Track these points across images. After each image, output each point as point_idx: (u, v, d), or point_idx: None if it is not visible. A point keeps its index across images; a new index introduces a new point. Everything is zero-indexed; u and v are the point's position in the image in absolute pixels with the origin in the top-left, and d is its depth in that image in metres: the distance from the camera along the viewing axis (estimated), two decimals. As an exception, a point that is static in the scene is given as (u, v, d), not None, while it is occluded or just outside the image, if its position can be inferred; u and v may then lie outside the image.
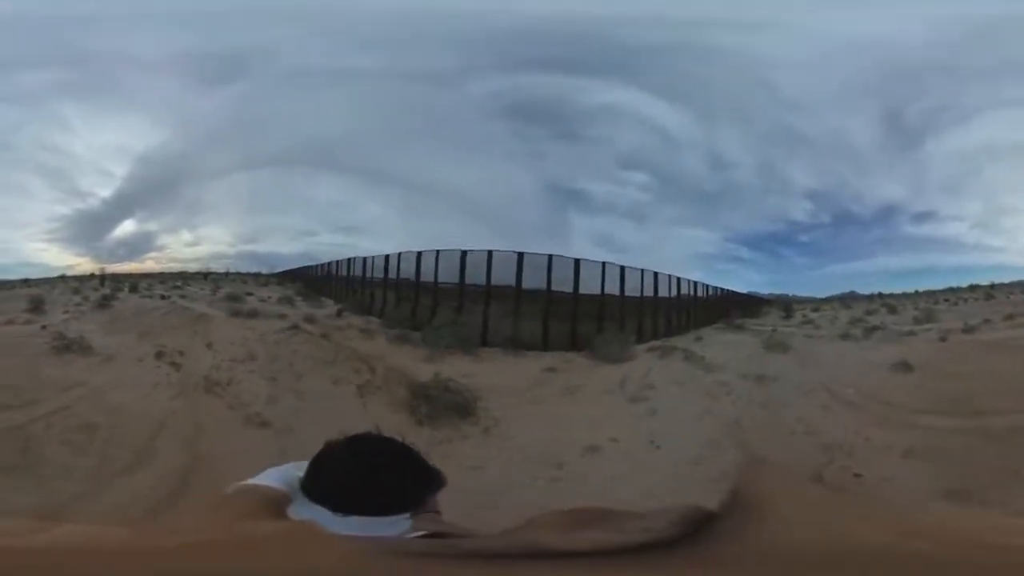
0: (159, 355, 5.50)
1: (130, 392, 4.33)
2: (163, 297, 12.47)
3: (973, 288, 14.08)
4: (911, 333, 11.00)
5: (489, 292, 9.08)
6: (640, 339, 10.82)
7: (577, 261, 10.17)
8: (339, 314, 9.91)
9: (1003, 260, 13.54)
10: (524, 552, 0.57)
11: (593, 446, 5.80)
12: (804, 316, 14.96)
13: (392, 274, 10.68)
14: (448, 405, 4.20)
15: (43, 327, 8.55)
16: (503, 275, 9.57)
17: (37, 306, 10.46)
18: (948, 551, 0.56)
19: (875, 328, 11.58)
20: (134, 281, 14.14)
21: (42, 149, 13.38)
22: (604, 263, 10.52)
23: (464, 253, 9.34)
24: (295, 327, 7.26)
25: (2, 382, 4.95)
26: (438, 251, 9.55)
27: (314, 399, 4.65)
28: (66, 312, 10.55)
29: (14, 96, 12.26)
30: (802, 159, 13.81)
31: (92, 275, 14.18)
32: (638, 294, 11.62)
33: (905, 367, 8.28)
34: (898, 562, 0.54)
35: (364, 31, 11.61)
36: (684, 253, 14.75)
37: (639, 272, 11.49)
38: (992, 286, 13.76)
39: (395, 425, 4.05)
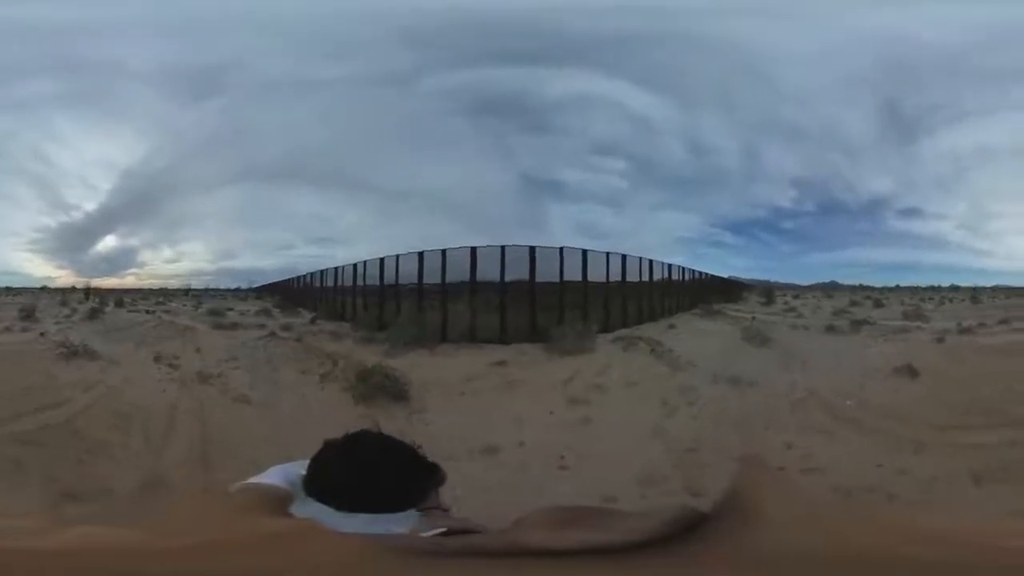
0: (157, 359, 6.85)
1: (143, 387, 5.64)
2: (148, 312, 12.81)
3: (955, 288, 13.69)
4: (903, 331, 10.49)
5: (445, 289, 9.53)
6: (607, 328, 10.42)
7: (532, 248, 9.89)
8: (313, 322, 10.74)
9: (987, 264, 13.05)
10: (516, 551, 0.58)
11: (493, 447, 5.41)
12: (786, 303, 14.34)
13: (361, 281, 11.06)
14: (382, 388, 5.43)
15: (41, 335, 9.19)
16: (465, 272, 9.89)
17: (29, 315, 10.84)
18: (940, 553, 0.55)
19: (863, 322, 11.13)
20: (118, 296, 14.12)
21: (33, 159, 13.36)
22: (562, 248, 10.10)
23: (421, 254, 9.80)
24: (272, 334, 8.55)
25: (24, 384, 5.90)
26: (398, 256, 10.02)
27: (285, 385, 6.00)
28: (58, 322, 10.88)
29: (6, 104, 12.18)
30: (790, 147, 13.51)
31: (74, 288, 14.17)
32: (603, 279, 11.10)
33: (910, 372, 7.36)
34: (891, 564, 0.53)
35: (326, 38, 11.37)
36: (665, 238, 14.14)
37: (604, 256, 11.09)
38: (975, 289, 13.39)
39: (337, 401, 5.49)
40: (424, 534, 1.00)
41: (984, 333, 10.17)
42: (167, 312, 12.55)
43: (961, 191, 12.94)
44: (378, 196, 13.36)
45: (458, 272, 9.62)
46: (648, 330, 10.65)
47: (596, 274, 10.84)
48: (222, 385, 5.89)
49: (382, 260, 10.34)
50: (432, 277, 9.78)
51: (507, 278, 9.52)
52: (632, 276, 11.53)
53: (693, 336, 10.64)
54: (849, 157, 13.28)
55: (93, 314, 11.29)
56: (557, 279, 9.94)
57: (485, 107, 12.56)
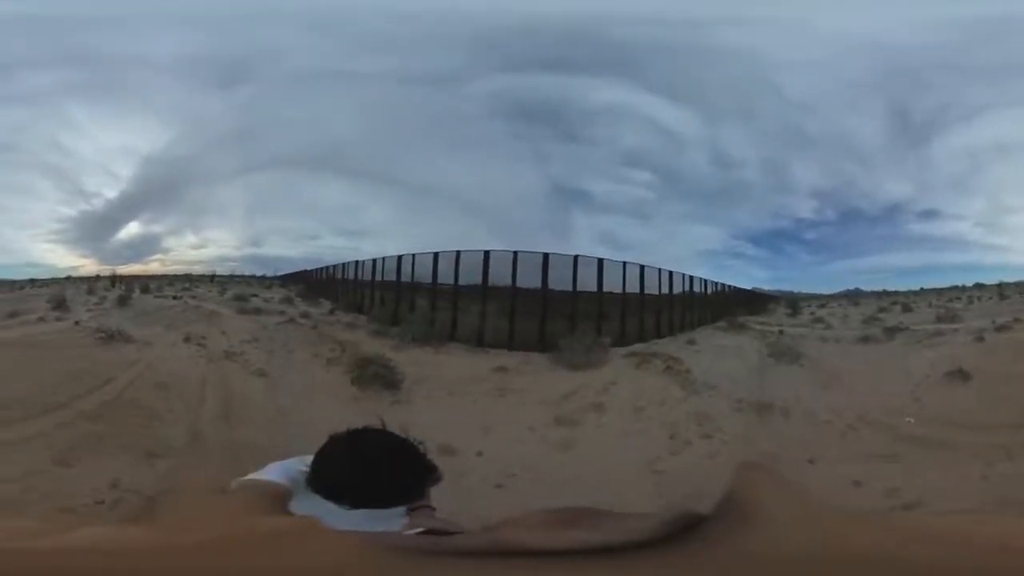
0: (187, 339, 7.67)
1: (176, 363, 6.46)
2: (175, 298, 13.36)
3: (980, 287, 13.89)
4: (939, 333, 10.21)
5: (457, 291, 9.78)
6: (622, 342, 10.18)
7: (546, 256, 9.96)
8: (331, 312, 11.42)
9: (1008, 259, 13.25)
10: (511, 551, 0.59)
11: (451, 449, 5.32)
12: (812, 314, 14.26)
13: (380, 276, 11.48)
14: (377, 376, 6.03)
15: (76, 323, 9.98)
16: (493, 275, 10.03)
17: (60, 304, 11.42)
18: (941, 553, 0.56)
19: (896, 329, 10.75)
20: (144, 283, 14.36)
21: (49, 150, 13.30)
22: (576, 256, 10.17)
23: (436, 255, 10.18)
24: (291, 320, 9.21)
25: (73, 368, 6.79)
26: (414, 255, 10.45)
27: (297, 364, 6.80)
28: (89, 310, 11.54)
29: (22, 96, 12.11)
30: (807, 157, 13.80)
31: (98, 277, 14.26)
32: (620, 290, 11.03)
33: (961, 375, 6.97)
34: (890, 566, 0.54)
35: (368, 33, 11.61)
36: (689, 250, 14.36)
37: (620, 265, 11.06)
38: (1000, 285, 13.51)
39: (337, 383, 6.25)
40: (404, 532, 0.98)
41: (1020, 328, 9.96)
42: (193, 298, 13.08)
43: (976, 189, 13.01)
44: (408, 192, 13.23)
45: (474, 274, 9.85)
46: (666, 345, 10.36)
47: (612, 284, 10.85)
48: (244, 362, 6.76)
49: (399, 257, 10.77)
50: (446, 278, 10.05)
51: (522, 284, 9.63)
52: (651, 288, 11.52)
53: (715, 352, 10.21)
54: (864, 164, 13.50)
55: (122, 301, 11.90)
56: (571, 287, 9.96)
57: (524, 112, 12.68)
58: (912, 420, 6.07)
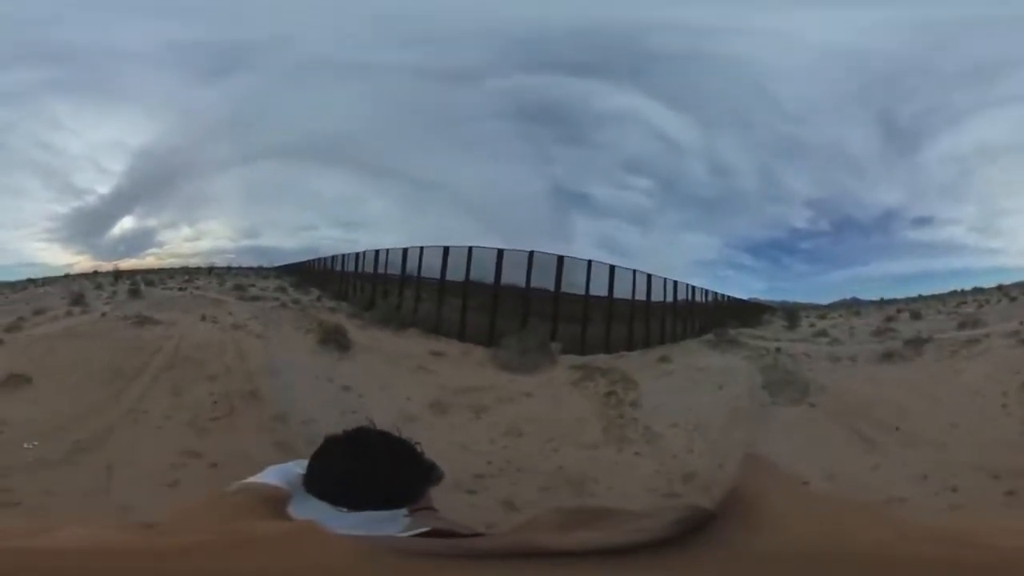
0: (203, 319, 10.72)
1: (200, 335, 10.32)
2: (180, 289, 15.36)
3: (978, 291, 13.73)
4: (973, 341, 9.30)
5: (443, 285, 11.46)
6: (586, 349, 9.95)
7: (531, 254, 10.51)
8: (318, 299, 14.39)
9: (1003, 262, 13.20)
10: (522, 552, 0.62)
11: (357, 392, 7.36)
12: (812, 326, 13.70)
13: (374, 268, 13.07)
14: (334, 341, 9.65)
15: (103, 315, 12.21)
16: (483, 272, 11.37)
17: (78, 300, 13.29)
18: (944, 552, 0.59)
19: (919, 340, 9.69)
20: (146, 277, 15.05)
21: (37, 148, 13.30)
22: (531, 252, 10.67)
23: (422, 249, 11.87)
24: (283, 305, 12.62)
25: (128, 345, 10.11)
26: (387, 250, 12.56)
27: (285, 333, 10.43)
28: (106, 303, 13.64)
29: (4, 95, 11.94)
30: (800, 167, 13.89)
31: (96, 273, 14.54)
32: (604, 294, 10.88)
33: None
34: (894, 563, 0.58)
35: (379, 26, 11.72)
36: (686, 259, 14.14)
37: (585, 264, 11.00)
38: (1000, 287, 13.38)
39: (309, 344, 9.28)
40: (405, 534, 1.11)
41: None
42: (197, 288, 15.16)
43: (968, 194, 13.27)
44: (407, 186, 13.59)
45: (479, 271, 10.77)
46: (631, 361, 9.45)
47: (602, 289, 10.71)
48: (248, 331, 10.52)
49: (376, 252, 13.23)
50: (431, 272, 11.32)
51: (516, 282, 10.34)
52: (628, 294, 11.19)
53: (686, 378, 8.85)
54: (856, 173, 13.82)
55: (134, 294, 13.96)
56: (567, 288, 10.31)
57: (532, 113, 13.04)
58: None
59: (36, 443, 6.08)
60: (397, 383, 8.07)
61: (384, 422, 4.75)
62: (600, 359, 9.20)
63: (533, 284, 10.17)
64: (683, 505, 0.66)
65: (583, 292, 10.44)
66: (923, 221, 13.06)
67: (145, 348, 9.28)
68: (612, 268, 10.84)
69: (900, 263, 13.24)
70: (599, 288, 10.73)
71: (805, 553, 0.59)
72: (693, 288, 13.29)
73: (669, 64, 11.88)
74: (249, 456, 5.70)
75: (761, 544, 0.59)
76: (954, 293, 13.50)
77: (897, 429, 5.78)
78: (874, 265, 13.37)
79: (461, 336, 10.08)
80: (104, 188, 13.38)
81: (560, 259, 10.36)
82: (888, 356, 8.92)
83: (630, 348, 10.21)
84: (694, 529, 0.61)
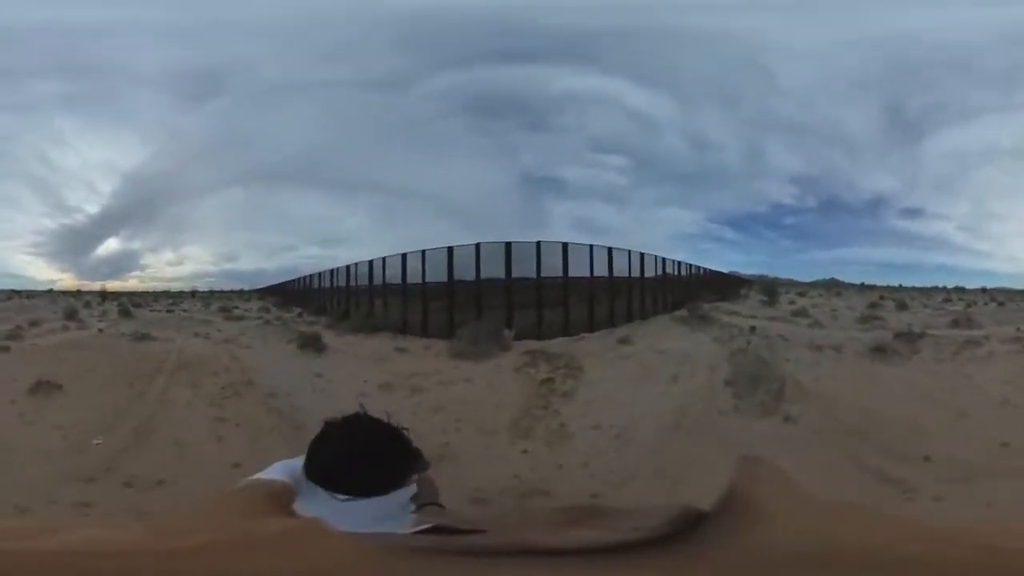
0: (196, 335, 12.35)
1: (197, 347, 13.01)
2: (168, 311, 16.84)
3: (960, 290, 13.54)
4: (972, 343, 8.54)
5: (384, 288, 13.04)
6: (542, 334, 10.31)
7: (508, 245, 11.05)
8: (299, 315, 16.13)
9: (989, 266, 13.24)
10: (519, 550, 0.63)
11: (327, 377, 9.55)
12: (792, 303, 13.36)
13: (354, 282, 14.18)
14: (311, 345, 11.80)
15: (99, 331, 13.34)
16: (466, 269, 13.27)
17: (72, 316, 14.48)
18: (941, 552, 0.61)
19: (912, 334, 8.89)
20: (134, 299, 16.44)
21: (36, 161, 13.99)
22: (478, 244, 11.17)
23: (384, 259, 13.35)
24: (267, 322, 15.41)
25: (135, 354, 12.04)
26: (384, 258, 13.65)
27: (269, 344, 12.87)
28: (100, 320, 14.69)
29: (10, 106, 12.73)
30: (791, 144, 14.09)
31: (79, 292, 15.68)
32: (533, 275, 11.26)
33: None
34: (890, 563, 0.59)
35: (324, 40, 12.32)
36: (665, 233, 14.52)
37: (533, 246, 11.45)
38: (985, 290, 13.32)
39: (289, 350, 11.24)
40: (410, 530, 1.15)
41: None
42: (184, 311, 16.69)
43: (962, 191, 13.21)
44: (379, 197, 14.54)
45: (461, 270, 11.54)
46: (588, 345, 9.51)
47: (582, 269, 11.14)
48: (238, 343, 12.51)
49: (347, 267, 14.73)
50: (415, 277, 12.41)
51: (497, 275, 11.04)
52: (579, 271, 11.46)
53: (640, 365, 8.40)
54: (851, 155, 13.82)
55: (125, 313, 15.33)
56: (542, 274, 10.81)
57: (484, 106, 13.53)
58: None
59: (100, 440, 6.73)
60: (359, 371, 9.88)
61: (344, 395, 7.95)
62: (557, 343, 9.32)
63: (498, 275, 10.64)
64: (679, 504, 0.69)
65: (560, 275, 10.58)
66: (913, 212, 13.15)
67: (152, 357, 11.25)
68: (564, 246, 11.40)
69: (885, 250, 13.36)
70: (578, 269, 10.82)
71: (801, 553, 0.60)
72: (664, 261, 13.47)
73: (627, 42, 11.85)
74: (255, 418, 7.60)
75: (756, 543, 0.61)
76: (936, 289, 13.28)
77: (927, 460, 4.46)
78: (857, 249, 13.53)
79: (425, 333, 11.44)
80: (93, 208, 14.64)
81: (508, 245, 11.02)
82: (880, 351, 7.86)
83: (592, 329, 10.17)
84: (690, 528, 0.64)
